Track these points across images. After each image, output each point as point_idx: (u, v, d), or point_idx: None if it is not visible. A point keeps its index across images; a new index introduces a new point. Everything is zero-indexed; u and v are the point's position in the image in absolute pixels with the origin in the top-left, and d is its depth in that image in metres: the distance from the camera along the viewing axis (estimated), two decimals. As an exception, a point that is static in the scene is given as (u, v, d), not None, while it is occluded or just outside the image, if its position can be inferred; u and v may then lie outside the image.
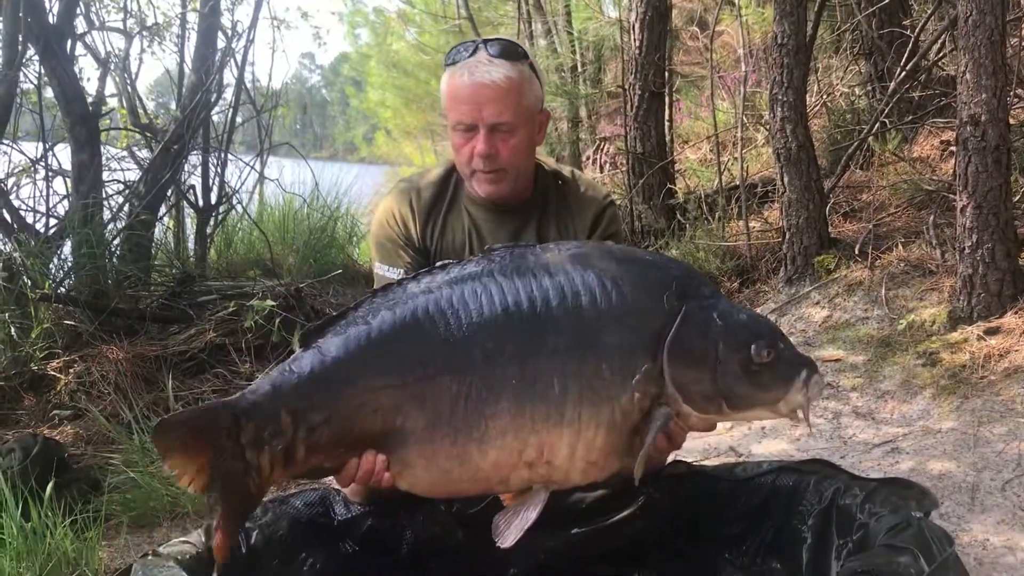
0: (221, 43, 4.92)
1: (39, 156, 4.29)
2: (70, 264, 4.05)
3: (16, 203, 4.09)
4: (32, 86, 4.38)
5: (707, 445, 3.15)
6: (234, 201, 5.23)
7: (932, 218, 4.28)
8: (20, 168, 4.23)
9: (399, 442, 1.39)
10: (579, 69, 8.91)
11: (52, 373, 3.43)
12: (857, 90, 6.08)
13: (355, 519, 1.75)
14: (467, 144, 1.76)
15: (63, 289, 3.88)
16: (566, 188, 1.92)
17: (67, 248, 4.08)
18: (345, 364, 1.38)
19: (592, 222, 1.89)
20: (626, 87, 5.92)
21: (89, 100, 4.29)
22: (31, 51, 4.07)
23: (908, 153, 5.25)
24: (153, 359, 3.59)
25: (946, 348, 3.42)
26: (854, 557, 1.45)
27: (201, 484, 1.36)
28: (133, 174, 4.68)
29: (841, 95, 6.24)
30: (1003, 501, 2.46)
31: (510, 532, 1.41)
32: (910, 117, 5.21)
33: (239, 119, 5.32)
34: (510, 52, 1.74)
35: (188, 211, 5.07)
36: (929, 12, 5.26)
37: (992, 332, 3.37)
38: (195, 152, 4.86)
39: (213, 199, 5.04)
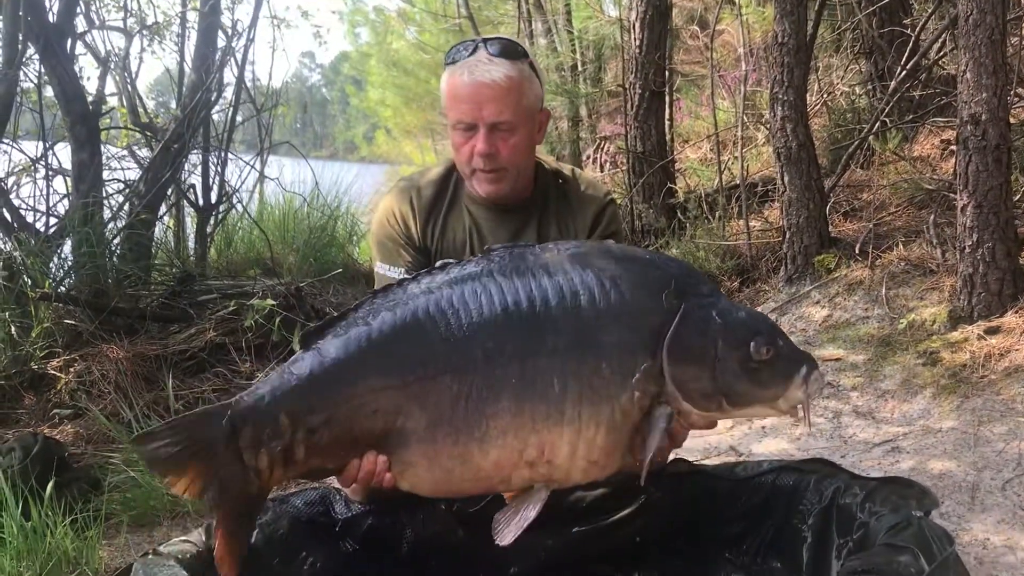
0: (221, 42, 4.92)
1: (39, 155, 4.29)
2: (70, 263, 4.05)
3: (16, 202, 4.09)
4: (32, 85, 4.38)
5: (707, 444, 3.15)
6: (234, 200, 5.22)
7: (932, 217, 4.28)
8: (20, 167, 4.23)
9: (400, 442, 1.39)
10: (579, 68, 8.90)
11: (52, 372, 3.42)
12: (857, 89, 6.08)
13: (355, 518, 1.76)
14: (467, 143, 1.76)
15: (63, 288, 3.88)
16: (567, 187, 1.92)
17: (67, 247, 4.08)
18: (345, 365, 1.38)
19: (593, 220, 1.89)
20: (626, 86, 5.92)
21: (89, 99, 4.29)
22: (31, 50, 4.07)
23: (908, 152, 5.25)
24: (153, 358, 3.59)
25: (946, 347, 3.42)
26: (854, 556, 1.45)
27: (195, 491, 1.36)
28: (133, 173, 4.69)
29: (841, 94, 6.24)
30: (1003, 500, 2.46)
31: (509, 530, 1.41)
32: (910, 116, 5.21)
33: (239, 118, 5.32)
34: (510, 51, 1.74)
35: (188, 210, 5.07)
36: (930, 11, 5.26)
37: (992, 331, 3.37)
38: (195, 151, 4.86)
39: (213, 198, 5.03)
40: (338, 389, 1.38)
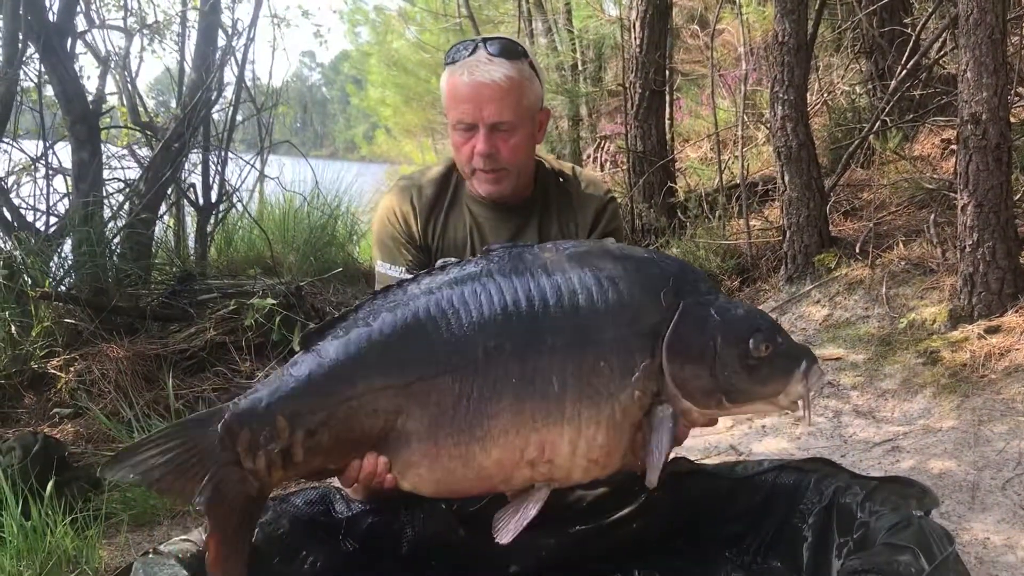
0: (221, 41, 4.91)
1: (39, 154, 4.29)
2: (70, 262, 4.05)
3: (16, 201, 4.09)
4: (32, 84, 4.38)
5: (708, 444, 3.15)
6: (234, 199, 5.23)
7: (933, 216, 4.28)
8: (20, 166, 4.23)
9: (401, 443, 1.39)
10: (579, 67, 8.91)
11: (52, 371, 3.42)
12: (858, 88, 6.08)
13: (356, 517, 1.75)
14: (467, 143, 1.76)
15: (63, 287, 3.88)
16: (567, 185, 1.92)
17: (67, 246, 4.08)
18: (344, 366, 1.38)
19: (594, 219, 1.89)
20: (627, 85, 5.92)
21: (89, 98, 4.29)
22: (31, 49, 4.07)
23: (909, 151, 5.25)
24: (153, 357, 3.59)
25: (947, 347, 3.42)
26: (855, 556, 1.45)
27: (186, 498, 1.36)
28: (133, 172, 4.69)
29: (842, 93, 6.24)
30: (1003, 500, 2.46)
31: (509, 528, 1.41)
32: (911, 115, 5.21)
33: (239, 117, 5.32)
34: (510, 51, 1.74)
35: (188, 209, 5.07)
36: (930, 10, 5.26)
37: (993, 331, 3.37)
38: (195, 150, 4.86)
39: (213, 197, 5.03)
40: (337, 390, 1.37)
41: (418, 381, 1.37)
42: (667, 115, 6.16)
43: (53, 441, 2.80)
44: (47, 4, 4.10)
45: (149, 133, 4.77)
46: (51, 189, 4.29)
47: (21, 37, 3.95)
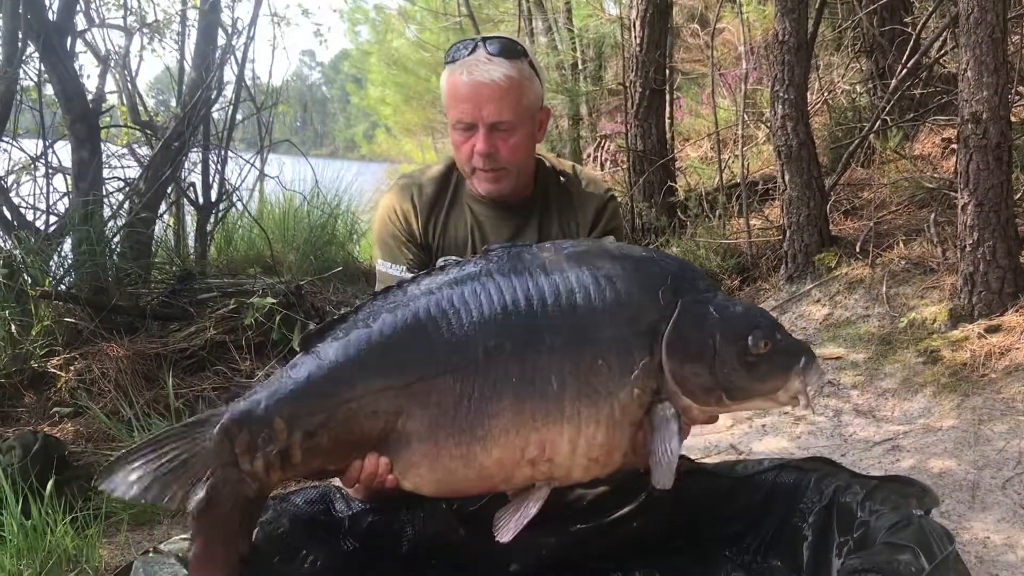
0: (221, 40, 4.91)
1: (39, 153, 4.29)
2: (70, 261, 4.05)
3: (16, 200, 4.09)
4: (32, 83, 4.38)
5: (708, 443, 3.15)
6: (234, 198, 5.22)
7: (933, 216, 4.28)
8: (20, 165, 4.23)
9: (402, 443, 1.39)
10: (579, 66, 8.91)
11: (52, 370, 3.42)
12: (858, 87, 6.08)
13: (356, 516, 1.76)
14: (467, 142, 1.76)
15: (63, 286, 3.88)
16: (568, 184, 1.92)
17: (67, 245, 4.08)
18: (343, 368, 1.38)
19: (594, 217, 1.89)
20: (627, 84, 5.92)
21: (89, 97, 4.29)
22: (31, 48, 4.07)
23: (909, 151, 5.25)
24: (153, 356, 3.59)
25: (947, 346, 3.42)
26: (855, 555, 1.45)
27: (183, 503, 1.35)
28: (133, 171, 4.68)
29: (842, 92, 6.24)
30: (1004, 499, 2.46)
31: (509, 527, 1.41)
32: (911, 115, 5.21)
33: (239, 116, 5.32)
34: (509, 50, 1.74)
35: (188, 208, 5.06)
36: (930, 9, 5.26)
37: (993, 330, 3.37)
38: (195, 149, 4.85)
39: (213, 196, 5.03)
40: (336, 392, 1.37)
41: (418, 382, 1.37)
42: (667, 114, 6.16)
43: (53, 440, 2.80)
44: (47, 3, 4.10)
45: (149, 132, 4.76)
46: (51, 188, 4.29)
47: (21, 36, 3.94)
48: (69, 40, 4.20)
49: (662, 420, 1.40)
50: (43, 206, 4.24)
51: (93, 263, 3.87)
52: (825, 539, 1.62)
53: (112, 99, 4.74)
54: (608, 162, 8.16)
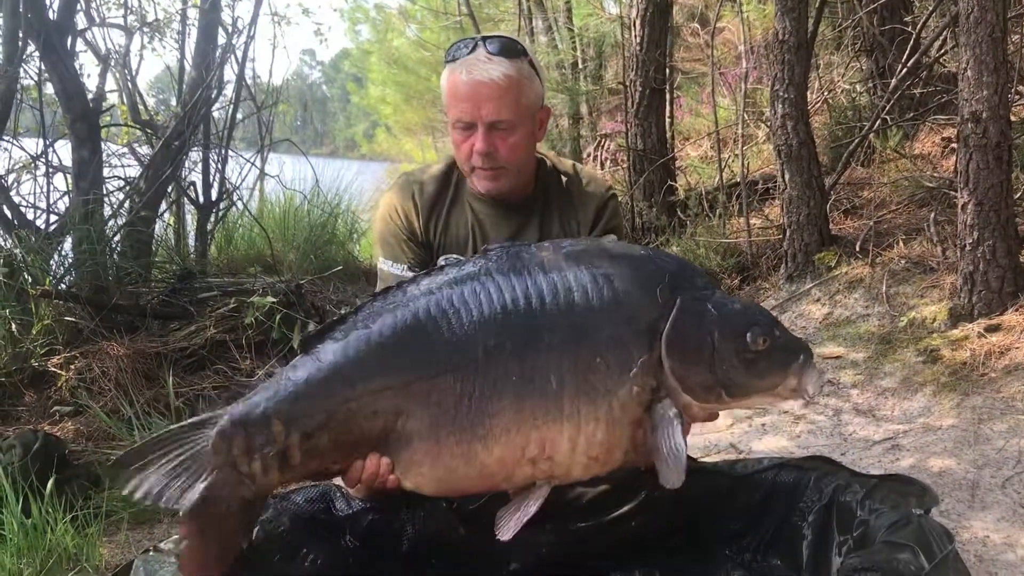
0: (222, 39, 4.91)
1: (39, 152, 4.29)
2: (71, 260, 4.05)
3: (17, 199, 4.09)
4: (32, 82, 4.38)
5: (707, 442, 3.15)
6: (235, 198, 5.23)
7: (933, 215, 4.28)
8: (21, 164, 4.23)
9: (403, 443, 1.39)
10: (580, 65, 8.91)
11: (53, 369, 3.43)
12: (858, 87, 6.08)
13: (356, 515, 1.76)
14: (466, 141, 1.76)
15: (64, 285, 3.88)
16: (569, 183, 1.92)
17: (68, 244, 4.08)
18: (342, 368, 1.38)
19: (595, 216, 1.90)
20: (627, 83, 5.92)
21: (89, 96, 4.29)
22: (31, 47, 4.07)
23: (909, 150, 5.25)
24: (154, 355, 3.59)
25: (947, 345, 3.42)
26: (854, 554, 1.45)
27: (173, 504, 1.35)
28: (134, 170, 4.68)
29: (842, 92, 6.24)
30: (1003, 498, 2.46)
31: (509, 525, 1.42)
32: (911, 114, 5.21)
33: (240, 115, 5.32)
34: (509, 49, 1.74)
35: (189, 207, 5.07)
36: (930, 9, 5.26)
37: (993, 329, 3.37)
38: (196, 148, 4.85)
39: (214, 195, 5.03)
40: (335, 393, 1.38)
41: (418, 381, 1.37)
42: (667, 113, 6.16)
43: (53, 439, 2.80)
44: (47, 2, 4.10)
45: (149, 131, 4.76)
46: (51, 187, 4.29)
47: (21, 35, 3.94)
48: (69, 39, 4.20)
49: (663, 418, 1.40)
50: (43, 205, 4.24)
51: (93, 262, 3.87)
52: (825, 538, 1.62)
53: (112, 98, 4.75)
54: (608, 161, 8.16)
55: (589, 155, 8.51)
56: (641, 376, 1.39)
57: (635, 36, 5.80)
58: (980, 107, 3.38)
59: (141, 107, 4.83)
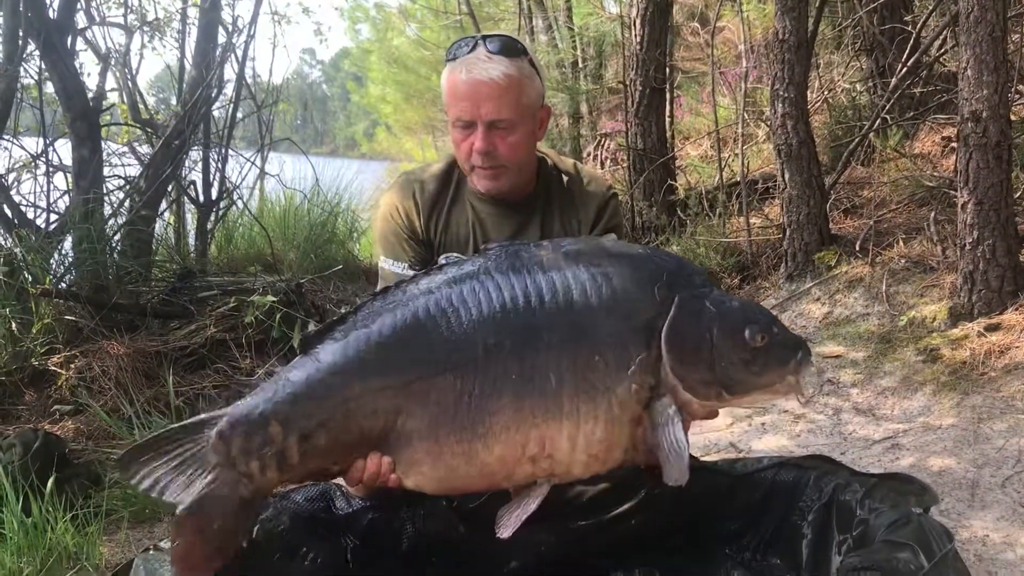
0: (222, 38, 4.91)
1: (40, 151, 4.29)
2: (71, 259, 4.05)
3: (17, 198, 4.09)
4: (33, 81, 4.38)
5: (707, 441, 3.15)
6: (235, 197, 5.22)
7: (933, 214, 4.28)
8: (21, 163, 4.23)
9: (404, 443, 1.39)
10: (580, 65, 8.91)
11: (53, 368, 3.43)
12: (858, 86, 6.08)
13: (356, 513, 1.76)
14: (466, 140, 1.77)
15: (64, 284, 3.89)
16: (570, 182, 1.92)
17: (68, 243, 4.08)
18: (341, 368, 1.38)
19: (595, 215, 1.90)
20: (627, 83, 5.92)
21: (90, 95, 4.29)
22: (31, 46, 4.07)
23: (909, 149, 5.25)
24: (154, 354, 3.60)
25: (947, 344, 3.42)
26: (854, 553, 1.45)
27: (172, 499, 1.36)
28: (134, 169, 4.68)
29: (842, 91, 6.24)
30: (1003, 497, 2.46)
31: (509, 523, 1.42)
32: (911, 113, 5.21)
33: (240, 115, 5.32)
34: (509, 49, 1.74)
35: (189, 207, 5.07)
36: (930, 8, 5.26)
37: (993, 328, 3.37)
38: (196, 148, 4.85)
39: (214, 195, 5.03)
40: (334, 392, 1.38)
41: (418, 380, 1.38)
42: (667, 113, 6.16)
43: (53, 438, 2.81)
44: (47, 1, 4.11)
45: (149, 130, 4.77)
46: (51, 186, 4.29)
47: (21, 34, 3.95)
48: (70, 38, 4.20)
49: (663, 415, 1.40)
50: (44, 204, 4.24)
51: (94, 261, 3.87)
52: (824, 537, 1.62)
53: (113, 97, 4.75)
54: (608, 160, 8.16)
55: (589, 154, 8.51)
56: (640, 374, 1.39)
57: (635, 35, 5.80)
58: (980, 106, 3.38)
59: (141, 106, 4.83)
